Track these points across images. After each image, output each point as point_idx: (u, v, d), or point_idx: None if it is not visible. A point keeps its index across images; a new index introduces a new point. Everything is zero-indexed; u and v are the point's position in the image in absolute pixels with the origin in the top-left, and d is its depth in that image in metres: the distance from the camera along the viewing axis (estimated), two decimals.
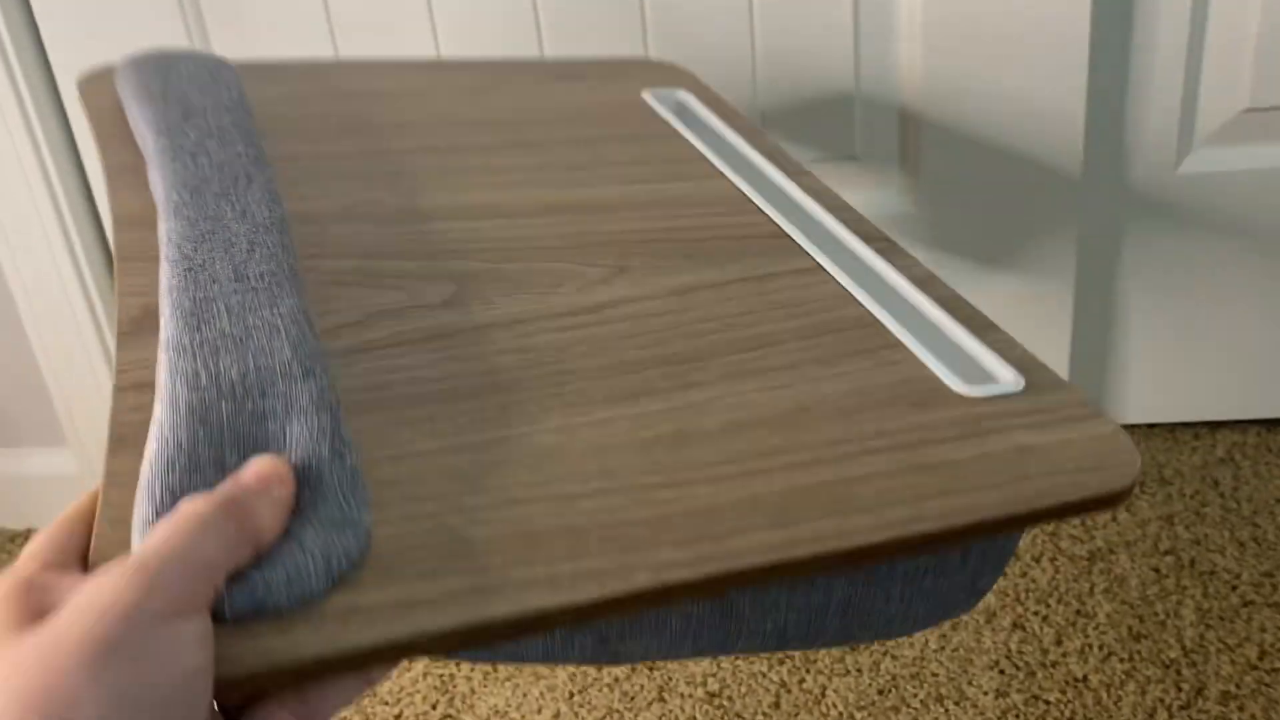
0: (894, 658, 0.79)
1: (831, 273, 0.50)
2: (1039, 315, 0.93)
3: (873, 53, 0.88)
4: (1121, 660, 0.77)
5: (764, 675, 0.79)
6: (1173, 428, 1.00)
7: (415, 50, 0.90)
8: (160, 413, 0.35)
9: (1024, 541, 0.89)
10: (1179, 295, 0.95)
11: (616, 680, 0.79)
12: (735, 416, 0.39)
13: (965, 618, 0.82)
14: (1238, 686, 0.74)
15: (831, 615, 0.40)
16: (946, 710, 0.74)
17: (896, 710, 0.75)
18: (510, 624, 0.30)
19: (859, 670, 0.78)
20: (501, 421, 0.38)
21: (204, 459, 0.33)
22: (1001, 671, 0.77)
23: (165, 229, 0.44)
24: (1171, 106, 0.88)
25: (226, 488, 0.31)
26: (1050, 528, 0.90)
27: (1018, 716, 0.73)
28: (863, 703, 0.76)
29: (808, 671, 0.78)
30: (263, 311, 0.39)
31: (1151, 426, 1.00)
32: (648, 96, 0.69)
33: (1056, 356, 0.95)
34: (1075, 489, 0.37)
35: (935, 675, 0.77)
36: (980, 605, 0.83)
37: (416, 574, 0.31)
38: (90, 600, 0.27)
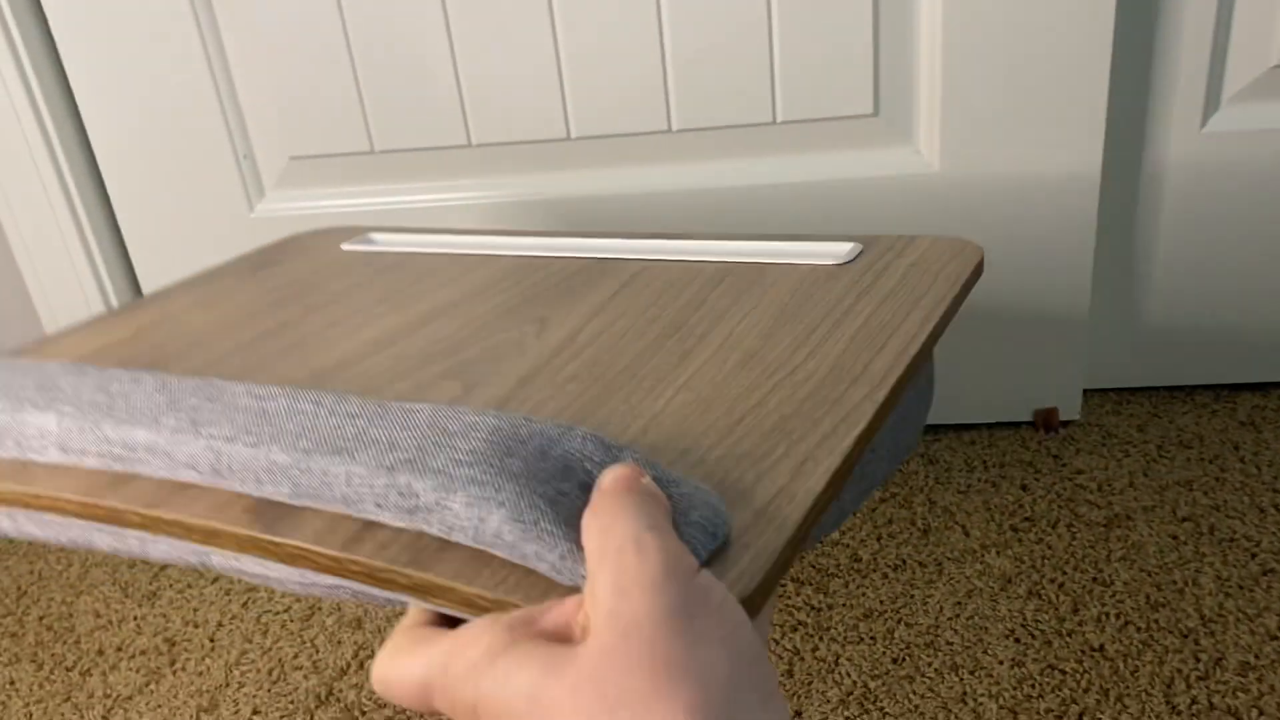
0: (908, 625, 0.79)
1: (664, 259, 0.65)
2: (1058, 276, 0.91)
3: (892, 2, 0.85)
4: (1139, 629, 0.76)
5: (776, 643, 0.78)
6: (1193, 390, 0.99)
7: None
8: (487, 481, 0.37)
9: (1040, 506, 0.88)
10: (1202, 255, 0.93)
11: None
12: (732, 360, 0.50)
13: (980, 585, 0.81)
14: (1257, 657, 0.73)
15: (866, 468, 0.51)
16: (961, 679, 0.74)
17: (911, 679, 0.74)
18: (835, 477, 0.41)
19: (872, 638, 0.77)
20: (626, 412, 0.47)
21: (556, 489, 0.37)
22: (1017, 640, 0.76)
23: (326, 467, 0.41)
24: (1199, 63, 0.85)
25: (612, 480, 0.34)
26: (1066, 493, 0.89)
27: (1033, 686, 0.73)
28: (877, 671, 0.75)
29: (820, 639, 0.78)
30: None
31: (1172, 390, 0.99)
32: (349, 245, 0.76)
33: (1075, 315, 0.93)
34: (963, 264, 0.58)
35: (950, 644, 0.77)
36: (996, 572, 0.82)
37: (755, 478, 0.41)
38: (622, 586, 0.29)
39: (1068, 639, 0.76)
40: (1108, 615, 0.78)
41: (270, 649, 0.85)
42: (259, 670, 0.83)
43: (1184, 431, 0.94)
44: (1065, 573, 0.82)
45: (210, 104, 0.94)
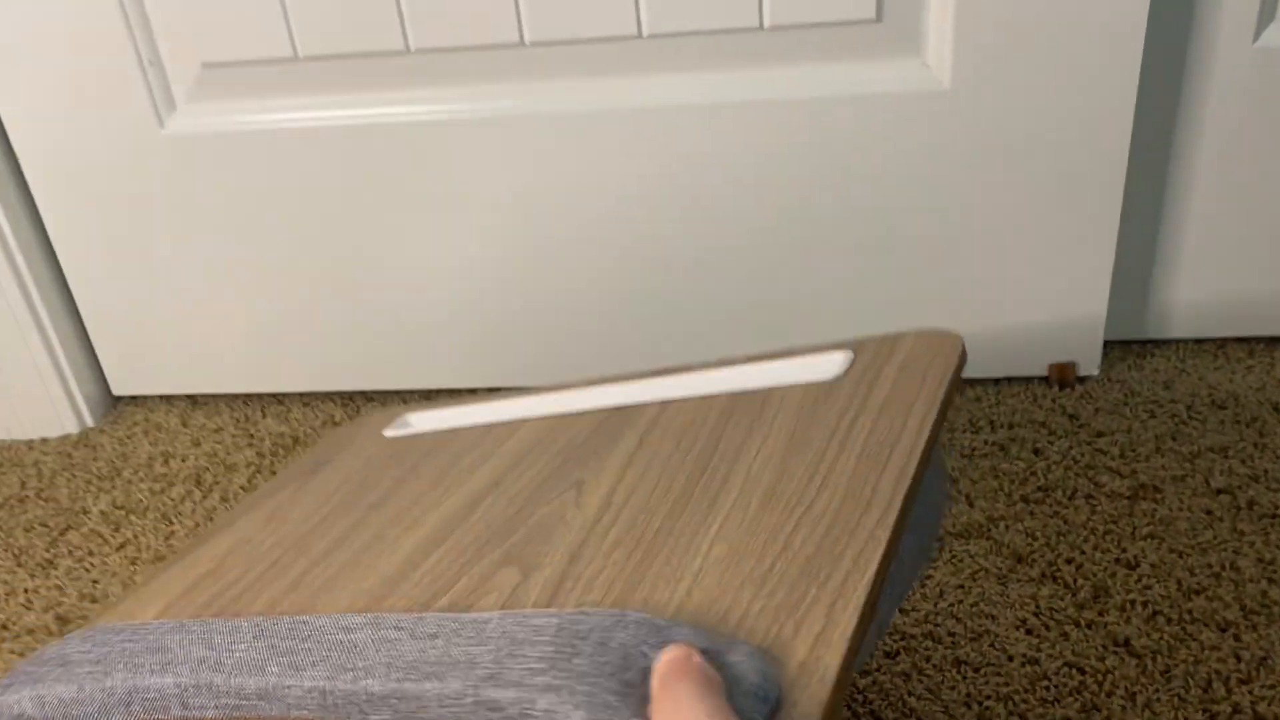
0: (904, 613, 0.69)
1: (678, 398, 0.68)
2: (1081, 212, 0.80)
3: None
4: (1170, 621, 0.66)
5: None
6: (1224, 344, 0.88)
7: None
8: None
9: (1055, 474, 0.78)
10: (1242, 187, 0.82)
11: None
12: (755, 502, 0.53)
13: (987, 565, 0.71)
14: None
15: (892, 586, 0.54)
16: (965, 677, 0.64)
17: (908, 677, 0.64)
18: (865, 609, 0.43)
19: None
20: (670, 575, 0.50)
21: (621, 680, 0.41)
22: (1029, 631, 0.66)
23: None
24: None
25: (667, 667, 0.38)
26: (1085, 459, 0.78)
27: (1048, 687, 0.63)
28: (866, 667, 0.65)
29: None
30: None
31: (1199, 342, 0.88)
32: (390, 431, 0.78)
33: (1098, 257, 0.82)
34: (945, 363, 0.60)
35: (953, 635, 0.66)
36: (1005, 550, 0.72)
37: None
38: None
39: (1088, 631, 0.66)
40: (1133, 604, 0.68)
41: None
42: None
43: (1216, 390, 0.83)
44: (1084, 552, 0.71)
45: (108, 2, 0.81)
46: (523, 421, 0.74)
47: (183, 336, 0.95)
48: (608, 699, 0.40)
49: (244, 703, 0.49)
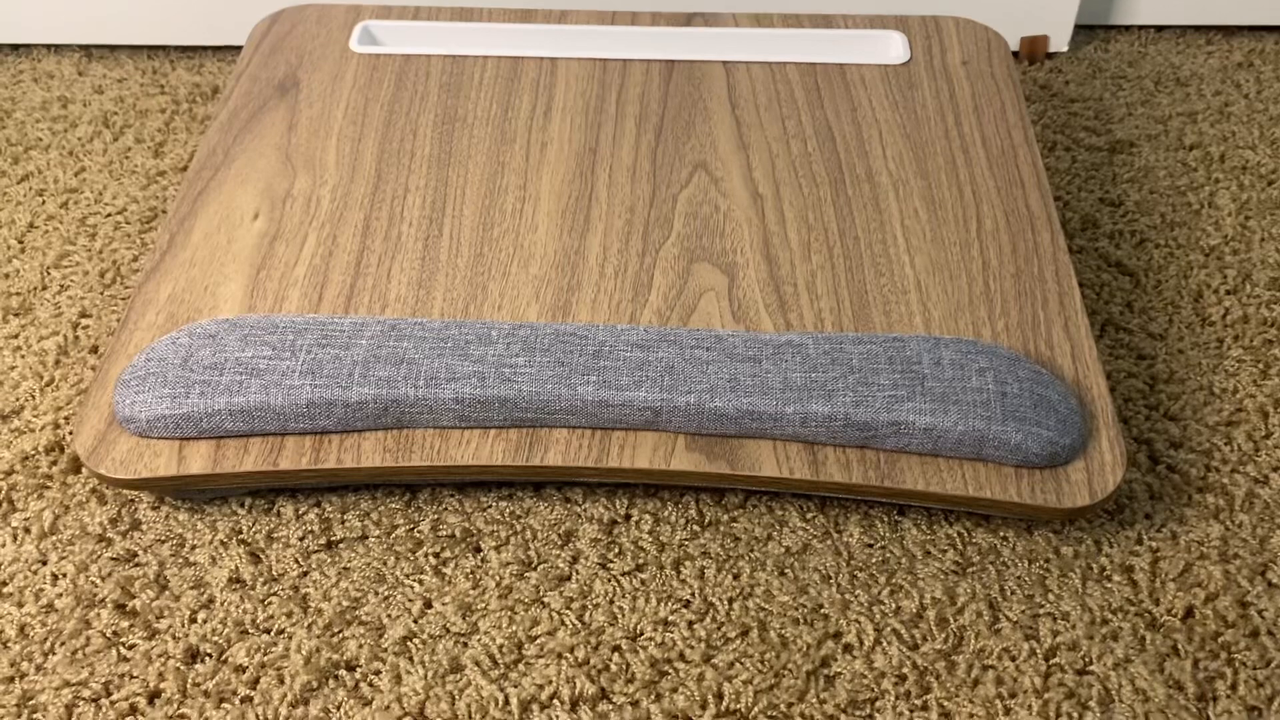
0: None
1: (738, 60, 0.68)
2: None
3: None
4: (1157, 246, 0.67)
5: None
6: (1183, 30, 0.88)
7: None
8: None
9: (1034, 130, 0.77)
10: None
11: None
12: (915, 208, 0.59)
13: None
14: None
15: None
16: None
17: None
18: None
19: None
20: (883, 259, 0.56)
21: None
22: None
23: None
24: None
25: None
26: (1060, 121, 0.78)
27: None
28: None
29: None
30: None
31: (1160, 29, 0.88)
32: (359, 46, 0.69)
33: None
34: (1005, 63, 0.69)
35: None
36: None
37: None
38: None
39: (1080, 255, 0.66)
40: (1121, 233, 0.68)
41: (100, 251, 0.67)
42: (86, 273, 0.65)
43: (1179, 70, 0.83)
44: (1071, 193, 0.71)
45: None
46: (553, 63, 0.69)
47: None
48: (974, 410, 0.47)
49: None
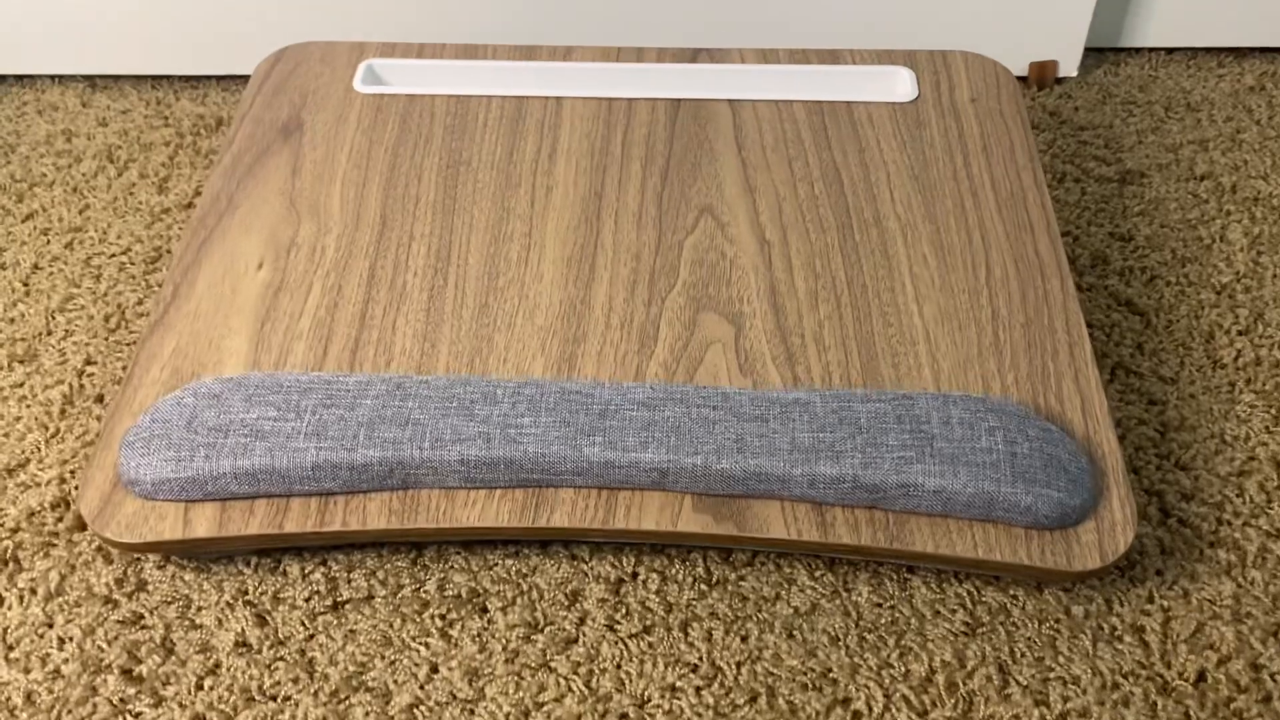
0: None
1: (743, 99, 0.68)
2: None
3: None
4: (1168, 284, 0.66)
5: None
6: (1194, 53, 0.87)
7: None
8: None
9: (1043, 160, 0.76)
10: None
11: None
12: (923, 253, 0.59)
13: None
14: None
15: None
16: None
17: None
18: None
19: None
20: (890, 309, 0.56)
21: None
22: None
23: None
24: None
25: None
26: (1070, 150, 0.77)
27: None
28: None
29: None
30: None
31: (1171, 51, 0.87)
32: (363, 87, 0.69)
33: None
34: (1013, 100, 0.68)
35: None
36: None
37: None
38: None
39: (1089, 293, 0.66)
40: (1132, 270, 0.67)
41: (105, 294, 0.67)
42: (91, 318, 0.65)
43: (1190, 94, 0.82)
44: (1080, 226, 0.70)
45: None
46: (558, 102, 0.68)
47: (79, 7, 0.83)
48: (984, 471, 0.47)
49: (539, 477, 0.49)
